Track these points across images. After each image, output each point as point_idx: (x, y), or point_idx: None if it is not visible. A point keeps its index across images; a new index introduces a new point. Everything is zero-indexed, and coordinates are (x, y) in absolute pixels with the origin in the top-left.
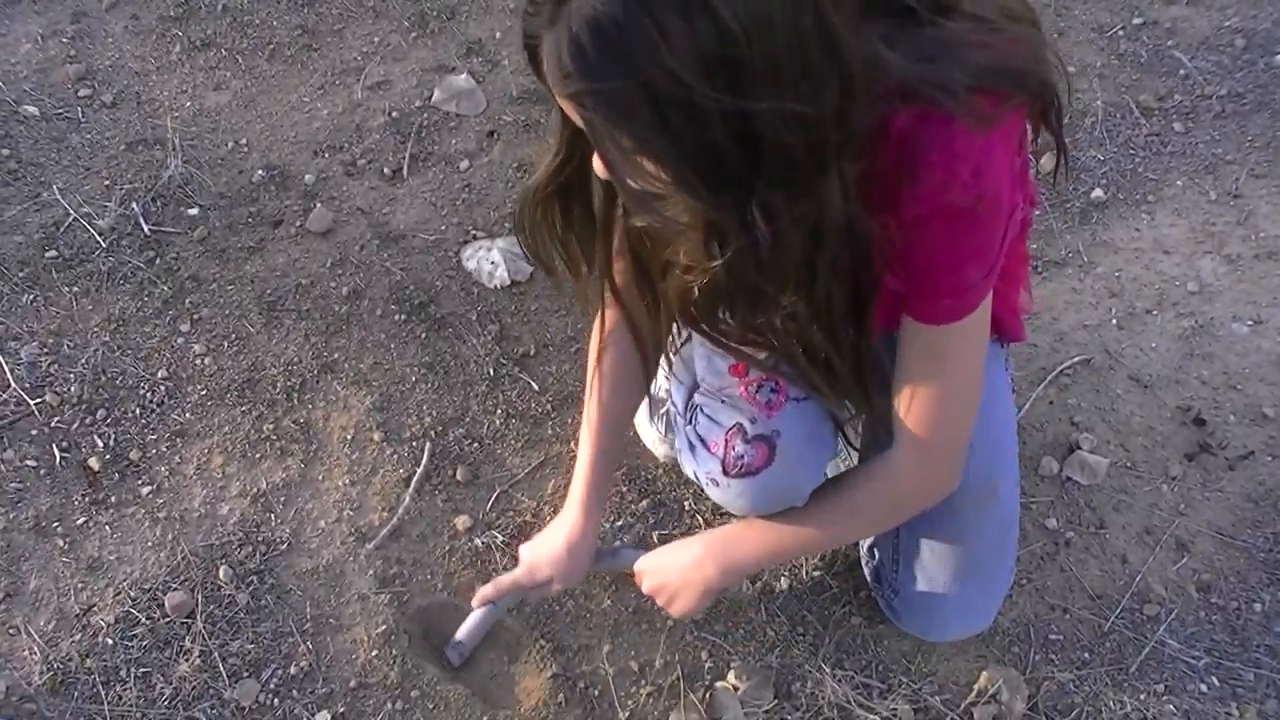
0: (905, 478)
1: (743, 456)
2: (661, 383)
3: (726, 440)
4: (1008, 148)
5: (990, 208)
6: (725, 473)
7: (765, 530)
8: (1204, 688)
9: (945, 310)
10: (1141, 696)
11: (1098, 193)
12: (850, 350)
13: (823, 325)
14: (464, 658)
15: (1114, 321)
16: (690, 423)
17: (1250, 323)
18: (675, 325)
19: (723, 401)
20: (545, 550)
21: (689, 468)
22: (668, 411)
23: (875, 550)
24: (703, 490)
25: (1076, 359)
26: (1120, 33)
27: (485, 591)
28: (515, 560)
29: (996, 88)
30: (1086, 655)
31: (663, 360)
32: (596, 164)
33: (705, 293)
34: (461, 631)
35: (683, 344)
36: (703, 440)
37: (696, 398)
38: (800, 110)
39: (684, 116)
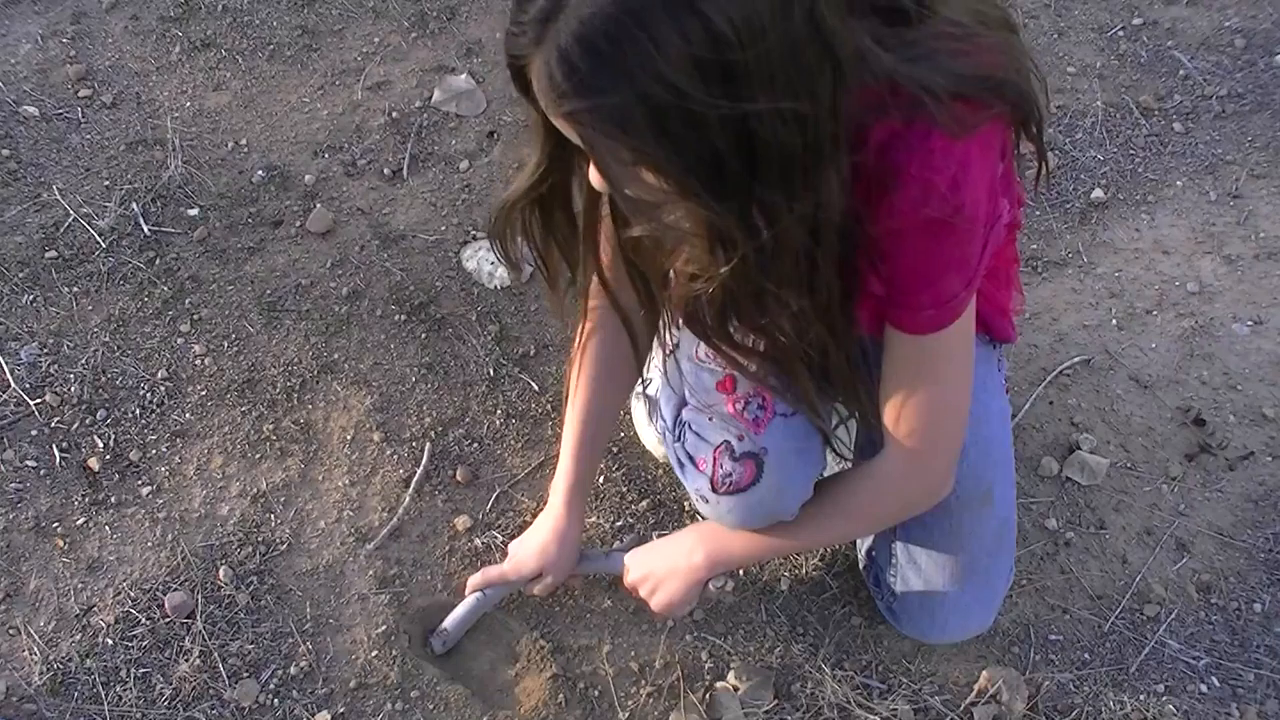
0: (896, 483)
1: (730, 474)
2: (658, 383)
3: (714, 458)
4: (986, 159)
5: (968, 220)
6: (714, 490)
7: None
8: (1204, 688)
9: (928, 320)
10: (1141, 697)
11: (1098, 193)
12: (844, 348)
13: (825, 321)
14: (447, 646)
15: (1114, 322)
16: (679, 440)
17: (1250, 323)
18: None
19: (710, 419)
20: (531, 543)
21: (649, 433)
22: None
23: (873, 553)
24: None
25: (1076, 359)
26: (1120, 33)
27: (474, 580)
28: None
29: (975, 96)
30: (1086, 655)
31: (657, 360)
32: (594, 177)
33: (713, 300)
34: (448, 620)
35: (670, 351)
36: (691, 458)
37: (684, 414)
38: (797, 108)
39: (682, 124)
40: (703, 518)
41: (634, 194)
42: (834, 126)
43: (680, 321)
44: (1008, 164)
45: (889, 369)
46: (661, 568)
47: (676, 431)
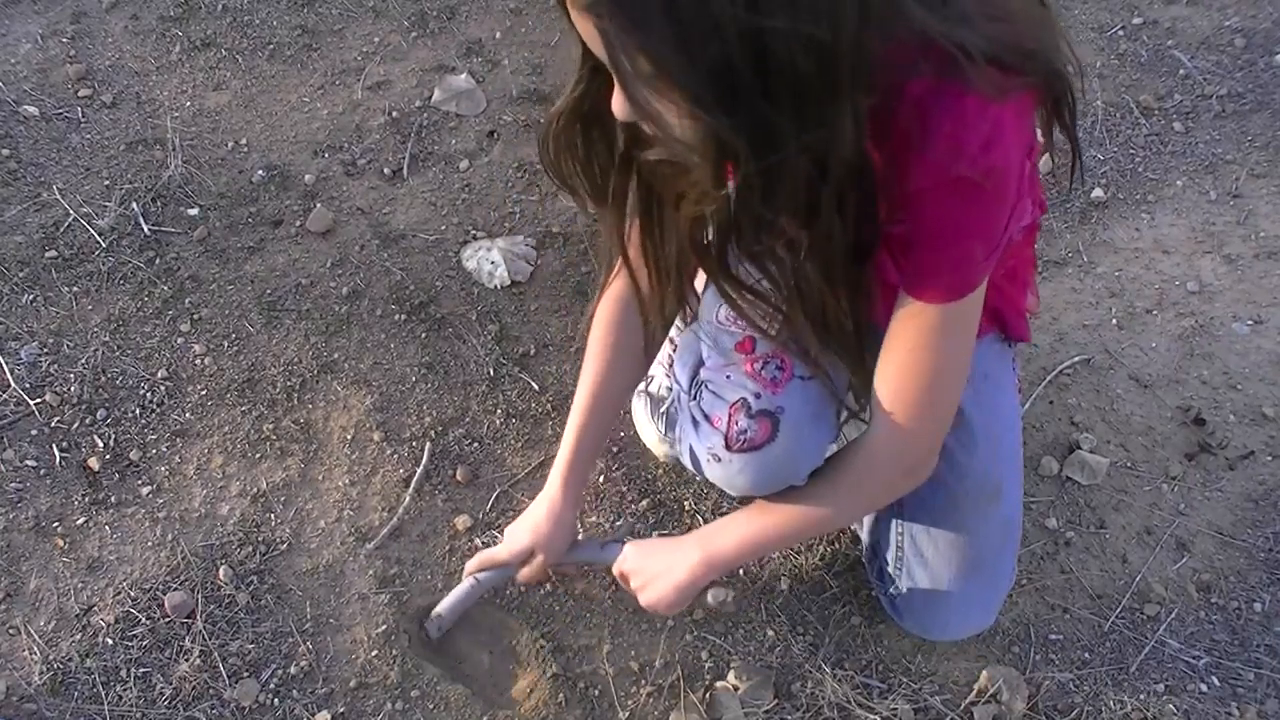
0: (879, 461)
1: (745, 431)
2: (661, 381)
3: (730, 414)
4: (1021, 125)
5: (998, 185)
6: (728, 447)
7: (750, 516)
8: (1204, 687)
9: (946, 286)
10: (1142, 696)
11: (1098, 192)
12: (848, 303)
13: (819, 262)
14: (442, 631)
15: (1114, 321)
16: (695, 399)
17: (1250, 322)
18: (683, 309)
19: (728, 378)
20: (526, 522)
21: (688, 451)
22: (667, 410)
23: (877, 548)
24: (699, 475)
25: (1076, 359)
26: (1120, 33)
27: (470, 564)
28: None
29: (1010, 62)
30: (1087, 655)
31: (661, 356)
32: (614, 101)
33: (716, 222)
34: (442, 605)
35: (690, 323)
36: (706, 415)
37: (702, 373)
38: (816, 33)
39: (700, 29)
40: (705, 523)
41: (646, 102)
42: (854, 61)
43: (690, 246)
44: (1033, 163)
45: (890, 338)
46: (655, 566)
47: (693, 391)
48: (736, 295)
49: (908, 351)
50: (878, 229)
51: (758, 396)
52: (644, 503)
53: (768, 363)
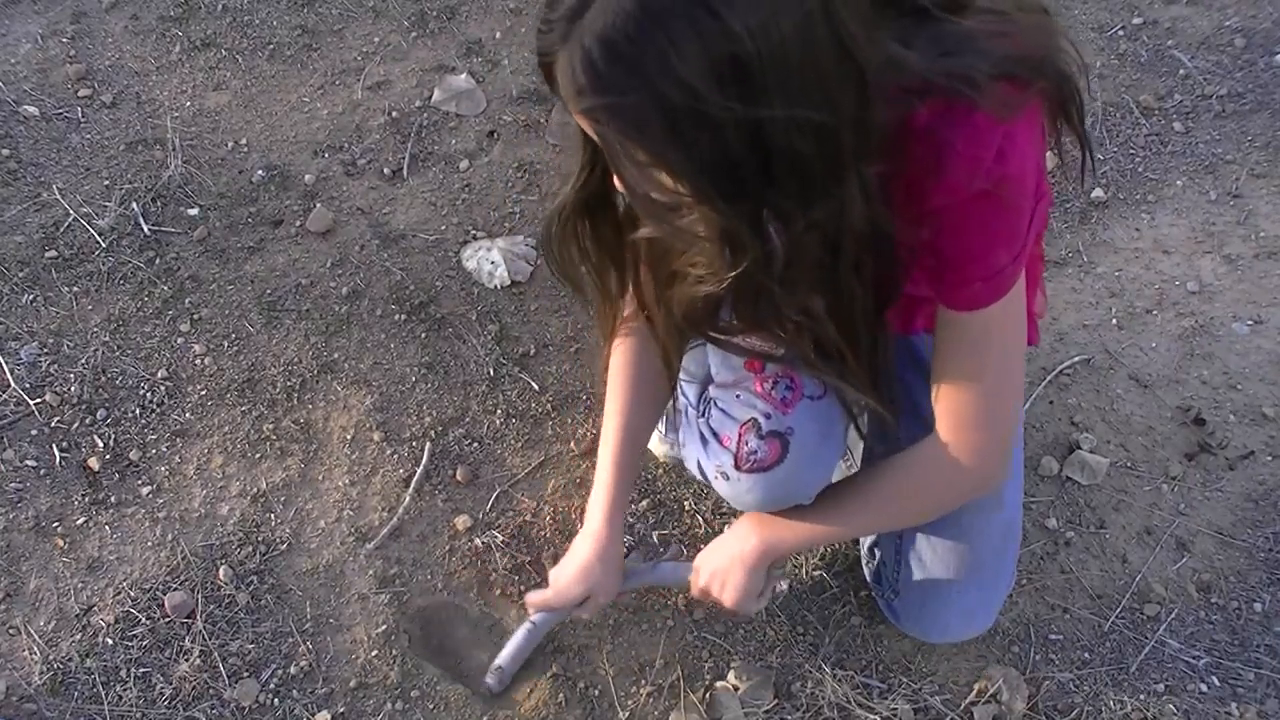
0: (948, 470)
1: (755, 452)
2: None
3: (740, 434)
4: (1032, 131)
5: (1016, 190)
6: (737, 467)
7: (811, 512)
8: (1204, 687)
9: (978, 294)
10: (1142, 696)
11: (1098, 192)
12: (867, 348)
13: (841, 324)
14: (504, 684)
15: (1114, 321)
16: (703, 415)
17: (1250, 322)
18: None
19: (737, 396)
20: (573, 565)
21: (693, 461)
22: (668, 413)
23: (876, 550)
24: (707, 485)
25: (1076, 359)
26: (1120, 32)
27: (529, 602)
28: (516, 561)
29: (1018, 75)
30: (1087, 655)
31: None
32: (617, 178)
33: (707, 299)
34: (502, 656)
35: (696, 343)
36: (715, 434)
37: (711, 390)
38: (815, 118)
39: (697, 127)
40: (705, 524)
41: (647, 195)
42: (856, 139)
43: (681, 322)
44: (1042, 153)
45: (939, 352)
46: (723, 561)
47: (701, 408)
48: (741, 351)
49: (955, 362)
50: (897, 279)
51: (768, 417)
52: (644, 503)
53: (778, 382)
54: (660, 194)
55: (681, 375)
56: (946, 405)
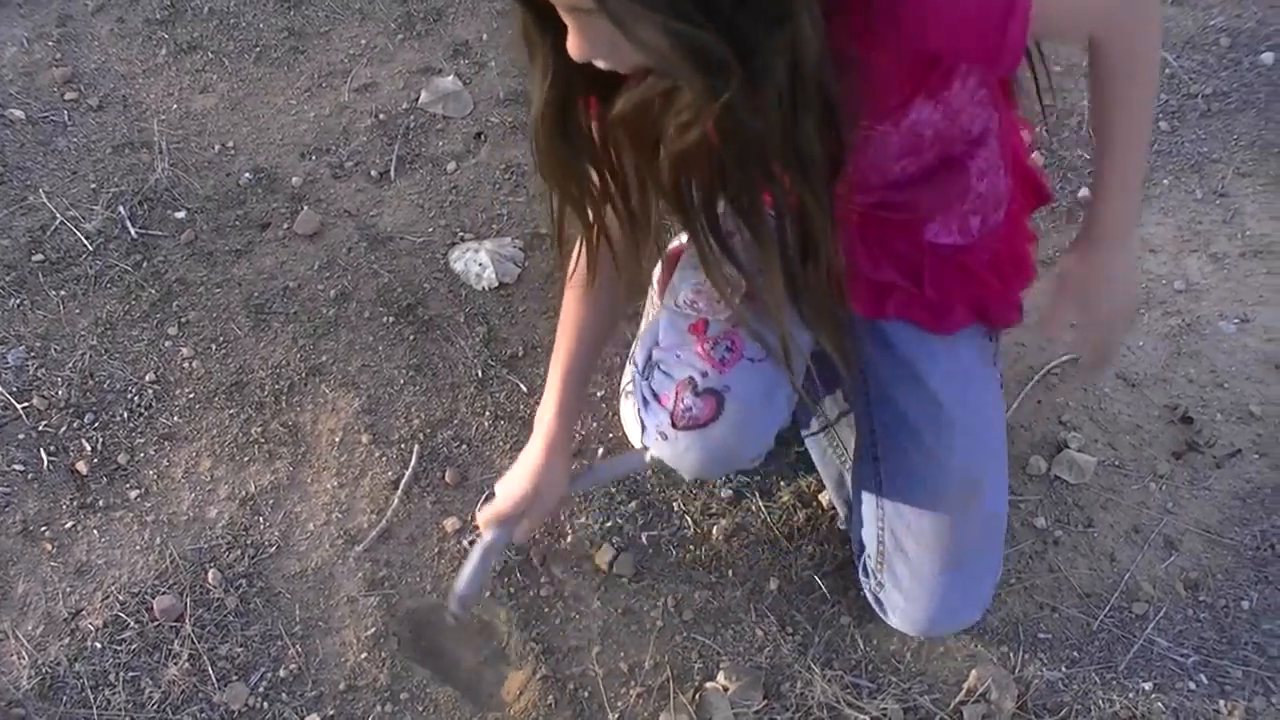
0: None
1: (690, 409)
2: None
3: (677, 392)
4: None
5: None
6: (674, 425)
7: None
8: (1192, 685)
9: None
10: (1130, 694)
11: (1084, 192)
12: (828, 260)
13: (811, 188)
14: (467, 609)
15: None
16: (646, 378)
17: (1237, 321)
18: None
19: (678, 357)
20: (519, 468)
21: (636, 426)
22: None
23: (863, 543)
24: (650, 458)
25: (1064, 358)
26: None
27: (480, 522)
28: (505, 563)
29: None
30: (1075, 654)
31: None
32: (572, 44)
33: (700, 169)
34: (459, 583)
35: (664, 302)
36: (655, 395)
37: (654, 354)
38: None
39: None
40: (694, 524)
41: (620, 43)
42: None
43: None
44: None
45: None
46: (1120, 296)
47: (645, 371)
48: (713, 252)
49: None
50: (846, 149)
51: (704, 375)
52: (633, 504)
53: (718, 343)
54: (635, 33)
55: (634, 344)
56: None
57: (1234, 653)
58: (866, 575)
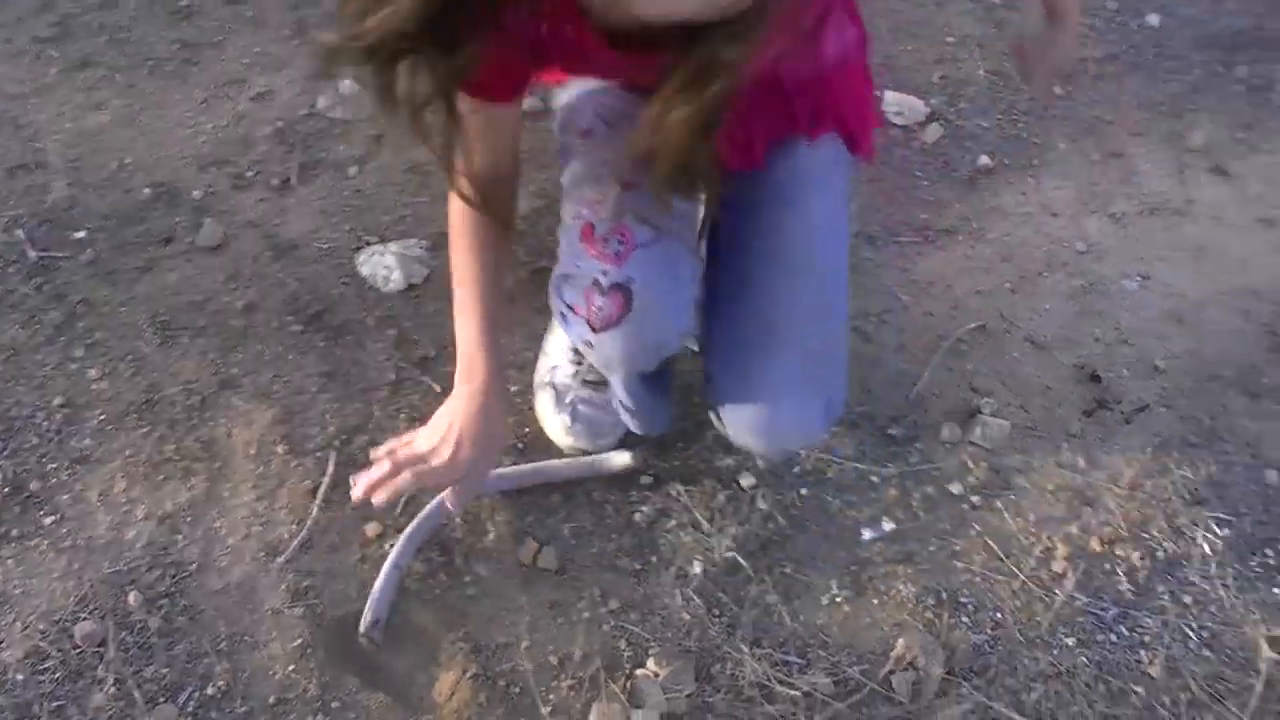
0: None
1: (602, 308)
2: (565, 369)
3: (586, 298)
4: None
5: None
6: (593, 329)
7: None
8: (1114, 638)
9: None
10: (1055, 651)
11: (984, 160)
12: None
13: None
14: (380, 629)
15: (1007, 286)
16: (560, 296)
17: (1139, 278)
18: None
19: (578, 266)
20: (455, 424)
21: (569, 349)
22: (573, 402)
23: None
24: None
25: (972, 325)
26: (998, 2)
27: (402, 484)
28: (430, 565)
29: None
30: (999, 615)
31: (564, 345)
32: None
33: None
34: (370, 606)
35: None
36: (570, 307)
37: (557, 272)
38: None
39: None
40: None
41: None
42: None
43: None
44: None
45: None
46: None
47: (557, 290)
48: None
49: None
50: None
51: (605, 274)
52: (554, 497)
53: (608, 240)
54: None
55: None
56: None
57: (1150, 604)
58: (710, 397)
